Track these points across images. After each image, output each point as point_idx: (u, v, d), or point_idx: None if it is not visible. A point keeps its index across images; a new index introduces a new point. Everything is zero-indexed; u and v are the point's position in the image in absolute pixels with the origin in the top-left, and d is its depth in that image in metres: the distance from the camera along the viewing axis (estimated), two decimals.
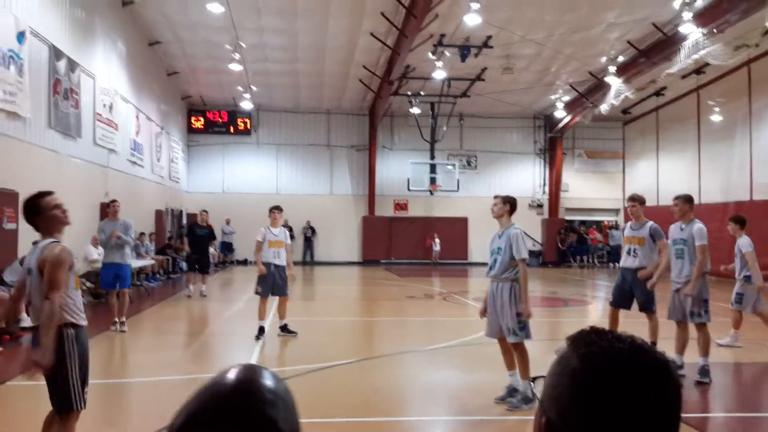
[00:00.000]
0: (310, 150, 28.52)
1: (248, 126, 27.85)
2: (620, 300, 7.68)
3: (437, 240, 27.42)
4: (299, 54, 20.56)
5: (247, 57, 20.16)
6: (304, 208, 27.65)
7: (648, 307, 7.46)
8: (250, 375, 0.98)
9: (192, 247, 14.89)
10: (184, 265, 19.08)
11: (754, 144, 19.75)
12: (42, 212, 3.87)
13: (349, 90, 25.08)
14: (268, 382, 0.97)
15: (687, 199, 7.38)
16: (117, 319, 9.88)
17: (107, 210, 10.65)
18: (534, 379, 1.07)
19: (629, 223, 7.93)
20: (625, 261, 7.70)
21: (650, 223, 7.60)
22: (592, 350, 0.95)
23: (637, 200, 7.82)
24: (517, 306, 5.90)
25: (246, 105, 25.63)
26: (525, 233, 7.61)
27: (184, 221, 24.20)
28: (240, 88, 23.91)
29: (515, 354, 5.95)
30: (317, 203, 28.10)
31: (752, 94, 19.79)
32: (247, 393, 0.94)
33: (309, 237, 27.91)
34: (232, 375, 0.98)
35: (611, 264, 26.94)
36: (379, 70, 21.60)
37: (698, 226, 7.08)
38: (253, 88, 24.09)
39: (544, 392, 0.99)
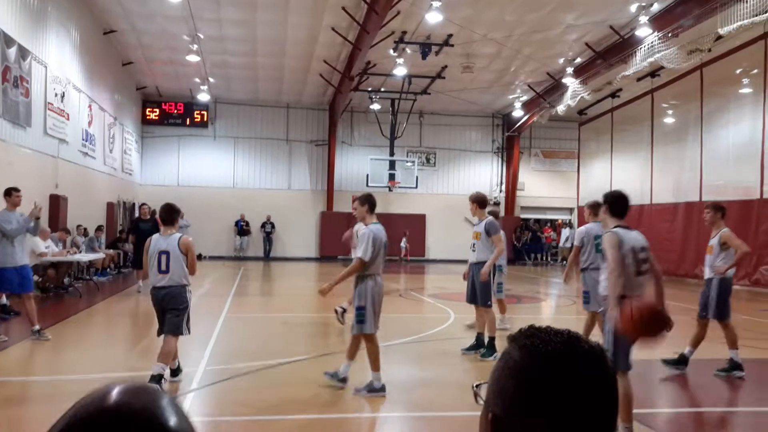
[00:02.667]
0: (268, 144, 28.23)
1: (205, 118, 27.41)
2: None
3: (405, 237, 27.60)
4: (259, 47, 20.31)
5: (205, 48, 19.82)
6: (261, 203, 27.38)
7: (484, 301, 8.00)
8: (149, 407, 0.80)
9: (137, 241, 14.69)
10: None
11: (705, 146, 20.33)
12: None
13: (309, 84, 24.90)
14: (171, 418, 0.80)
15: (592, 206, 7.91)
16: (34, 328, 8.49)
17: (7, 200, 8.73)
18: (478, 385, 1.10)
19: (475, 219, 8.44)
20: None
21: (487, 218, 8.11)
22: (532, 342, 0.99)
23: (472, 200, 8.25)
24: None
25: (203, 97, 25.22)
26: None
27: (137, 214, 23.72)
28: (197, 80, 23.51)
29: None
30: (275, 198, 27.85)
31: (704, 98, 20.36)
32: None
33: (269, 232, 27.65)
34: (122, 400, 0.80)
35: (564, 261, 27.42)
36: (339, 65, 21.49)
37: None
38: (211, 80, 23.72)
39: (488, 390, 1.02)
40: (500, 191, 29.75)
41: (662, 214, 22.05)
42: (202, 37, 18.79)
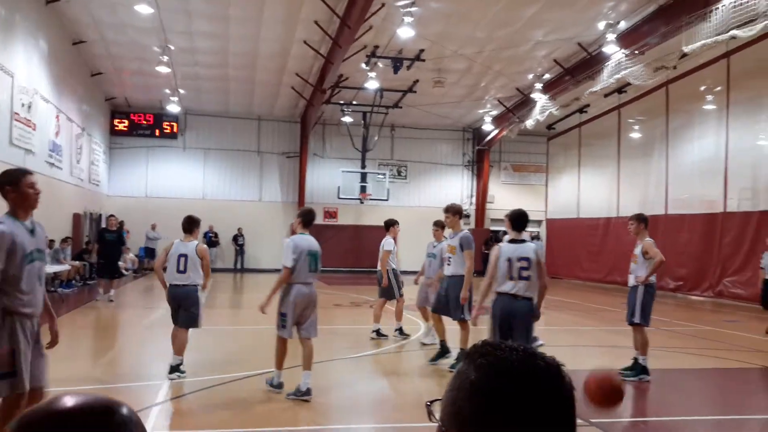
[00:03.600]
0: (239, 156, 28.08)
1: (175, 129, 27.16)
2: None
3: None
4: (230, 59, 20.25)
5: (176, 60, 19.70)
6: (232, 215, 27.18)
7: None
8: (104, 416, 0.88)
9: (102, 252, 14.52)
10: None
11: (671, 161, 20.77)
12: None
13: (281, 97, 24.87)
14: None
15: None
16: None
17: None
18: (431, 402, 1.06)
19: (449, 233, 8.47)
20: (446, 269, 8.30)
21: (463, 232, 8.19)
22: (488, 360, 0.97)
23: (450, 211, 8.32)
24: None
25: (173, 108, 25.00)
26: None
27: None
28: (167, 91, 23.32)
29: None
30: (246, 210, 27.68)
31: (669, 114, 20.84)
32: None
33: (241, 245, 27.44)
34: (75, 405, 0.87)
35: None
36: (312, 78, 21.53)
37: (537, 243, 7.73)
38: (181, 91, 23.56)
39: (442, 411, 0.99)
40: (471, 204, 29.98)
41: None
42: (172, 48, 18.68)
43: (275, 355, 6.65)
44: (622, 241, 22.35)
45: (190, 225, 7.55)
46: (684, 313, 16.14)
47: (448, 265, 8.20)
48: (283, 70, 21.29)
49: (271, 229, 27.76)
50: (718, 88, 18.67)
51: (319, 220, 28.29)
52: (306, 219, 6.80)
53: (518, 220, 6.51)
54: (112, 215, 16.11)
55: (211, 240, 26.86)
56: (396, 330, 10.47)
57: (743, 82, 17.68)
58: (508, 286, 6.22)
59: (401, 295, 10.63)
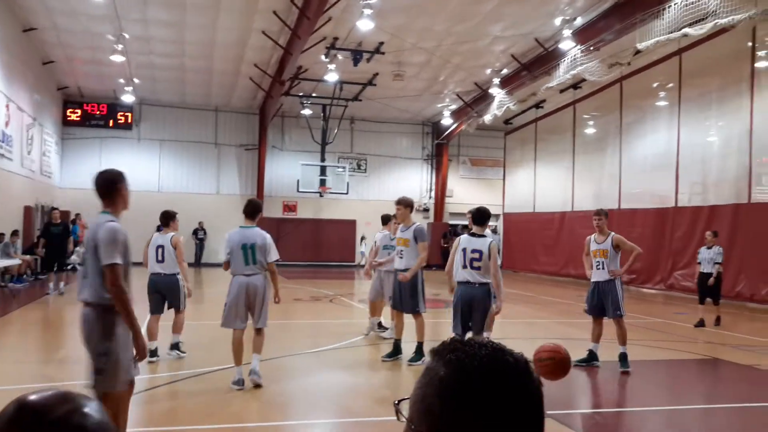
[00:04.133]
0: (196, 147, 27.65)
1: (129, 120, 26.57)
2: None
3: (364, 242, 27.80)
4: (187, 49, 19.90)
5: (131, 48, 19.27)
6: (188, 207, 26.73)
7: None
8: (70, 407, 0.89)
9: (48, 246, 14.27)
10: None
11: (624, 156, 21.21)
12: None
13: (239, 88, 24.57)
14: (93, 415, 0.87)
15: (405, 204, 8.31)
16: None
17: None
18: (399, 402, 1.05)
19: (400, 226, 8.45)
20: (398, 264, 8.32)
21: (416, 224, 8.24)
22: (457, 356, 0.97)
23: (402, 203, 8.30)
24: None
25: (127, 98, 24.46)
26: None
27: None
28: (122, 81, 22.81)
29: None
30: (203, 202, 27.28)
31: (623, 110, 21.27)
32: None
33: (201, 239, 27.08)
34: (43, 403, 0.88)
35: None
36: (270, 69, 21.32)
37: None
38: (136, 80, 23.07)
39: (411, 409, 0.99)
40: (430, 197, 30.15)
41: (583, 221, 22.82)
42: (127, 36, 18.27)
43: (233, 351, 6.61)
44: (577, 234, 22.81)
45: (165, 219, 8.35)
46: (637, 305, 16.53)
47: (401, 258, 8.15)
48: (241, 61, 21.03)
49: (230, 222, 27.21)
50: (670, 85, 19.12)
51: (278, 213, 28.19)
52: (247, 210, 6.84)
53: (479, 216, 7.12)
54: (55, 208, 16.01)
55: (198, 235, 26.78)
56: (376, 324, 10.44)
57: (694, 80, 18.15)
58: (462, 275, 6.95)
59: None
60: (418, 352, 7.91)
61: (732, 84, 16.96)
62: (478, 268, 6.86)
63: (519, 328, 11.72)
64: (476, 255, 6.87)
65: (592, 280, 8.22)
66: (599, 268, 8.10)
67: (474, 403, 0.93)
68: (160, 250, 8.04)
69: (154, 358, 7.56)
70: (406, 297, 8.06)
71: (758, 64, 16.20)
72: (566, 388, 6.93)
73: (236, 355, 6.58)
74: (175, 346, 8.10)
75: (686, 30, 12.84)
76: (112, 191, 4.37)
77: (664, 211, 18.73)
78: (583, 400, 7.22)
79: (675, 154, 18.64)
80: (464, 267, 6.91)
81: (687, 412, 6.73)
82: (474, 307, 6.88)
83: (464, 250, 6.94)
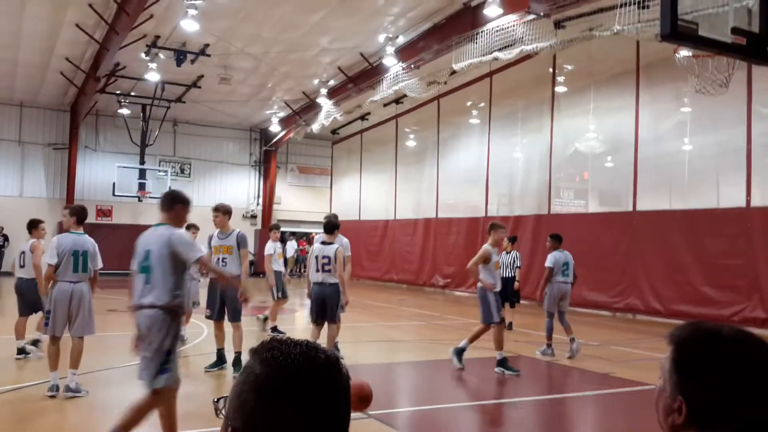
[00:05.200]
0: None
1: None
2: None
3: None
4: None
5: None
6: None
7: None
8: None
9: None
10: None
11: (441, 169, 22.60)
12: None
13: (48, 83, 22.68)
14: None
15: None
16: None
17: None
18: (218, 399, 1.11)
19: (216, 232, 8.24)
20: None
21: (237, 231, 8.16)
22: (273, 354, 1.04)
23: (220, 210, 8.17)
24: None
25: None
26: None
27: None
28: None
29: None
30: (2, 205, 24.78)
31: (440, 126, 22.66)
32: None
33: (1, 245, 24.48)
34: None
35: None
36: (84, 64, 19.94)
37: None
38: None
39: (228, 405, 1.04)
40: (257, 204, 29.86)
41: (404, 229, 23.97)
42: None
43: (48, 357, 6.44)
44: (398, 242, 23.94)
45: (29, 226, 8.66)
46: (453, 307, 17.65)
47: (224, 265, 7.93)
48: (51, 54, 19.45)
49: None
50: (482, 104, 20.70)
51: (91, 218, 26.27)
52: (80, 216, 6.78)
53: (328, 226, 8.41)
54: None
55: None
56: (270, 329, 11.06)
57: (503, 100, 19.79)
58: (316, 277, 8.14)
59: (281, 297, 11.46)
60: (237, 363, 7.78)
61: (535, 105, 18.73)
62: (329, 271, 8.04)
63: (342, 333, 12.01)
64: (326, 260, 8.07)
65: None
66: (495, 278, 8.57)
67: (286, 397, 0.99)
68: (22, 256, 8.44)
69: (21, 356, 8.16)
70: (230, 305, 7.98)
71: (557, 89, 18.05)
72: (392, 389, 7.27)
73: (54, 362, 6.43)
74: (21, 350, 8.39)
75: (496, 54, 13.97)
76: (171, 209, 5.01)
77: (476, 220, 20.18)
78: (403, 399, 7.61)
79: (485, 168, 20.18)
80: (317, 270, 8.10)
81: (495, 405, 7.35)
82: (326, 303, 8.07)
83: (317, 257, 8.13)
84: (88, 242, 6.73)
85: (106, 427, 5.88)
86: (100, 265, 6.88)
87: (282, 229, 30.37)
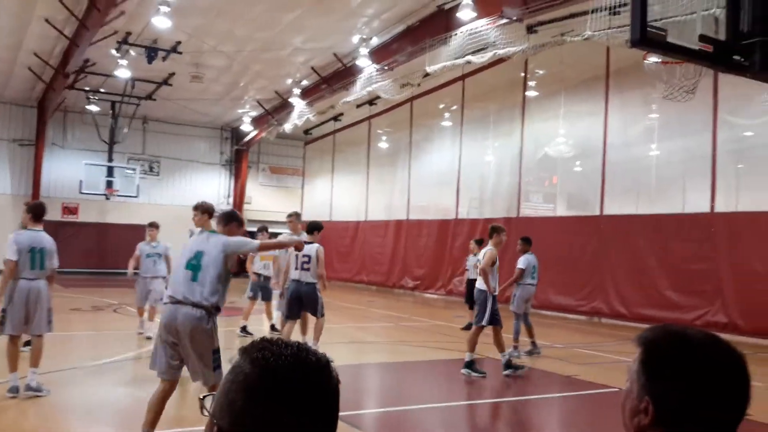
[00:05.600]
0: None
1: None
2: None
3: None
4: None
5: None
6: None
7: None
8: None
9: None
10: None
11: (413, 171, 22.67)
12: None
13: (14, 77, 22.22)
14: None
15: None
16: None
17: None
18: (204, 397, 1.10)
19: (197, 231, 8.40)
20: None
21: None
22: (263, 355, 1.02)
23: (199, 209, 8.22)
24: None
25: None
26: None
27: None
28: None
29: None
30: None
31: (413, 127, 22.72)
32: None
33: None
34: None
35: None
36: (53, 60, 19.59)
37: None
38: None
39: (215, 403, 1.03)
40: (228, 204, 29.58)
41: (376, 230, 23.98)
42: None
43: (7, 358, 6.26)
44: (369, 243, 23.93)
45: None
46: (422, 309, 17.71)
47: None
48: (18, 48, 19.07)
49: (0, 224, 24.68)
50: (455, 107, 20.81)
51: (56, 216, 25.87)
52: (36, 214, 6.66)
53: (308, 227, 8.75)
54: None
55: None
56: (240, 328, 11.18)
57: (475, 103, 19.93)
58: (295, 274, 8.49)
59: (252, 298, 11.84)
60: None
61: (507, 109, 18.90)
62: (308, 270, 8.35)
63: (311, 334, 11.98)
64: (306, 259, 8.35)
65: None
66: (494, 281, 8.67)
67: (276, 398, 0.98)
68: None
69: None
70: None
71: (528, 93, 18.24)
72: (357, 391, 7.27)
73: (14, 362, 6.31)
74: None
75: (469, 57, 14.06)
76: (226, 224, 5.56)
77: (446, 222, 20.28)
78: (371, 400, 7.62)
79: (457, 171, 20.30)
80: (296, 268, 8.40)
81: (464, 407, 7.40)
82: (303, 300, 8.44)
83: (297, 256, 8.35)
84: (46, 240, 6.58)
85: (68, 426, 5.80)
86: (56, 264, 6.67)
87: (250, 230, 30.33)
